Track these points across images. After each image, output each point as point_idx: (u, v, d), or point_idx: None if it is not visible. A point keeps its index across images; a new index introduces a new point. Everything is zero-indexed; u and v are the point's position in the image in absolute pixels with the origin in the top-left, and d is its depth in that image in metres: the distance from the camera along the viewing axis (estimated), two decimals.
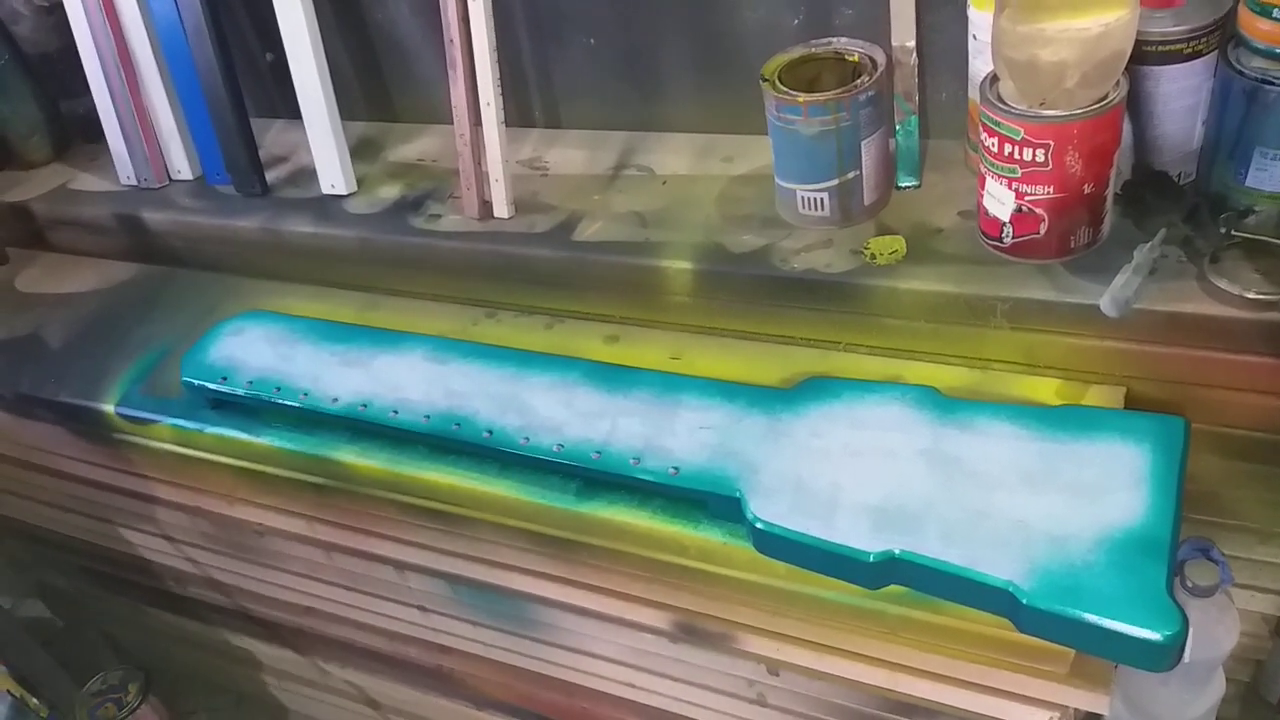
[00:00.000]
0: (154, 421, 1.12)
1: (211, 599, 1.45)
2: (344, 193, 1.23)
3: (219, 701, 1.75)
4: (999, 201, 0.89)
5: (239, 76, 1.23)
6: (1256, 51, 0.82)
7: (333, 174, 1.23)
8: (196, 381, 1.09)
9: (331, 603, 1.27)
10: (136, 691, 1.60)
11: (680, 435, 0.92)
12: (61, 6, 1.27)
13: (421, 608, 1.20)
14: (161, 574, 1.45)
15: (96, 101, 1.31)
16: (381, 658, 1.36)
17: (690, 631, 0.98)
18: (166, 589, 1.50)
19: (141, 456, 1.17)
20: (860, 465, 0.86)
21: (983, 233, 0.93)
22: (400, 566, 1.14)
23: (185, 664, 1.71)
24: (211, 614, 1.50)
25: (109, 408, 1.14)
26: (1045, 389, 0.91)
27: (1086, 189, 0.86)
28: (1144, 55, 0.85)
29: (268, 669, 1.58)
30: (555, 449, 0.93)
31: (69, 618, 1.75)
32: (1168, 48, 0.85)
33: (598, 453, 0.92)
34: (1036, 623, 0.75)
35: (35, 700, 1.50)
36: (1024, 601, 0.74)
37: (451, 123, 1.12)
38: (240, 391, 1.07)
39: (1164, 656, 0.71)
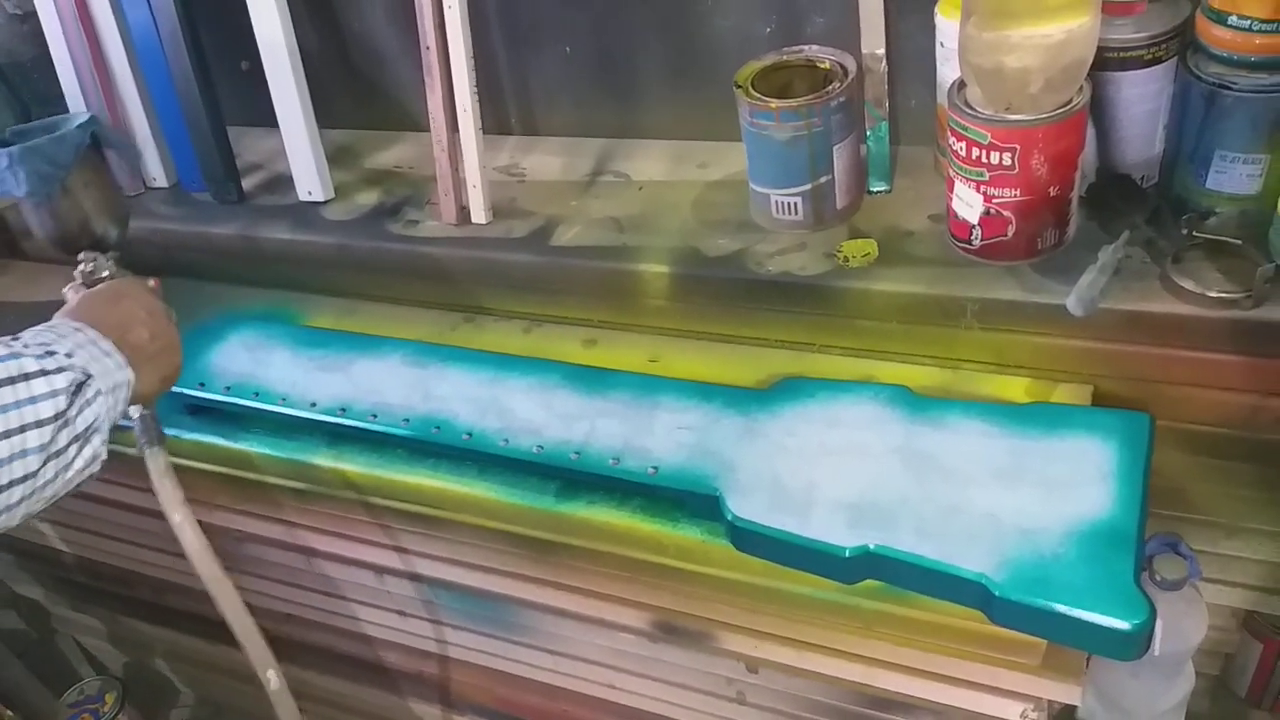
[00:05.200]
0: (130, 428, 1.11)
1: (189, 607, 1.44)
2: (321, 199, 1.24)
3: (197, 712, 1.74)
4: (967, 204, 0.91)
5: (215, 84, 1.24)
6: (1214, 57, 0.84)
7: (310, 181, 1.23)
8: (173, 387, 1.09)
9: (310, 609, 1.27)
10: (113, 702, 1.58)
11: (658, 436, 0.93)
12: (35, 14, 1.27)
13: (401, 612, 1.20)
14: (138, 583, 1.44)
15: (71, 109, 1.31)
16: (361, 664, 1.35)
17: (670, 630, 0.99)
18: (143, 598, 1.49)
19: (117, 463, 1.15)
20: (835, 463, 0.87)
21: (952, 235, 0.95)
22: (380, 571, 1.14)
23: (162, 674, 1.70)
24: (189, 623, 1.49)
25: None
26: (1015, 387, 0.93)
27: (1052, 192, 0.88)
28: (1106, 61, 0.87)
29: (246, 678, 1.56)
30: (535, 450, 0.94)
31: (43, 629, 1.73)
32: (1129, 54, 0.88)
33: (577, 453, 0.93)
34: (1009, 614, 0.76)
35: (11, 712, 1.48)
36: (996, 593, 0.75)
37: (429, 130, 1.13)
38: (218, 397, 1.07)
39: (1132, 645, 0.73)
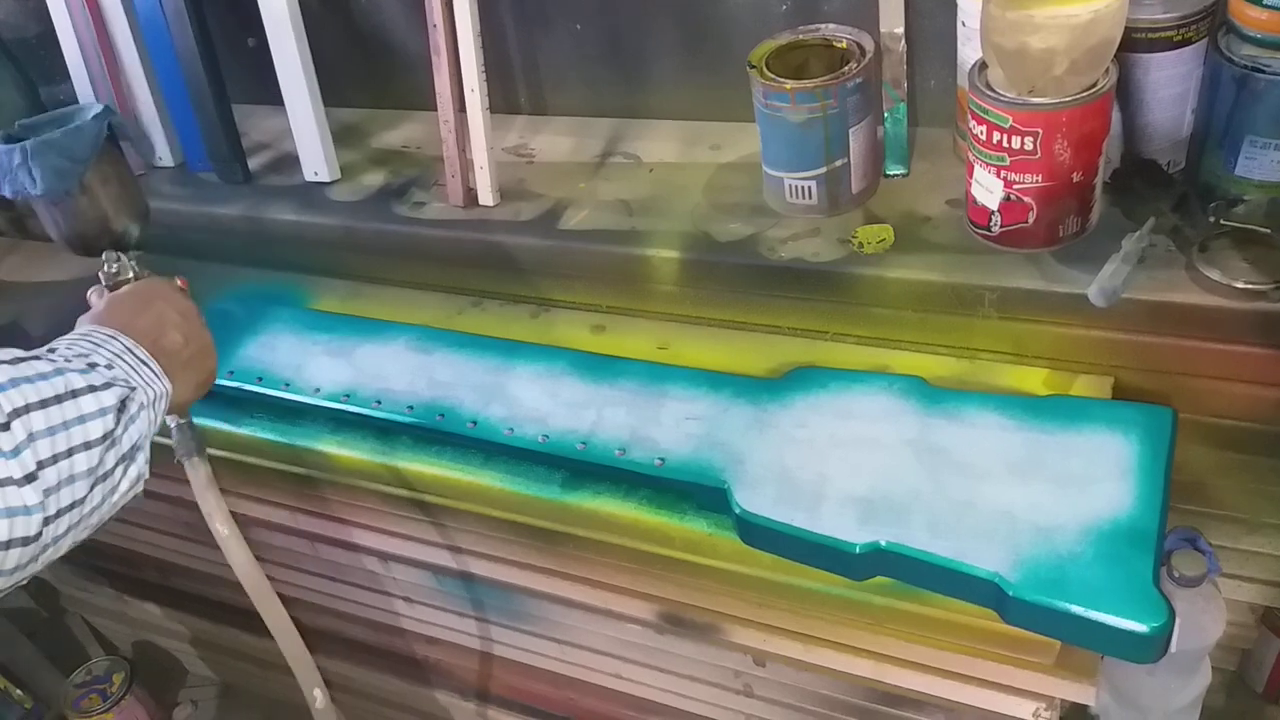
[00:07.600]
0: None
1: (195, 590, 1.44)
2: (327, 180, 1.22)
3: (203, 692, 1.75)
4: (987, 190, 0.88)
5: (221, 62, 1.22)
6: (1247, 39, 0.82)
7: (316, 161, 1.21)
8: None
9: (316, 594, 1.27)
10: (121, 682, 1.59)
11: (666, 426, 0.91)
12: None
13: (406, 599, 1.20)
14: (144, 565, 1.44)
15: (76, 87, 1.30)
16: (366, 649, 1.35)
17: (676, 622, 0.98)
18: (150, 580, 1.49)
19: None
20: (846, 456, 0.85)
21: (971, 221, 0.93)
22: (384, 557, 1.13)
23: (170, 655, 1.71)
24: (195, 605, 1.49)
25: None
26: (1033, 379, 0.91)
27: (1075, 177, 0.85)
28: (1133, 43, 0.85)
29: (252, 660, 1.57)
30: (540, 440, 0.93)
31: (52, 609, 1.74)
32: (1157, 35, 0.85)
33: (583, 443, 0.91)
34: (1023, 614, 0.74)
35: (19, 692, 1.49)
36: (1010, 593, 0.73)
37: (436, 109, 1.11)
38: (221, 381, 1.05)
39: (1150, 648, 0.71)
